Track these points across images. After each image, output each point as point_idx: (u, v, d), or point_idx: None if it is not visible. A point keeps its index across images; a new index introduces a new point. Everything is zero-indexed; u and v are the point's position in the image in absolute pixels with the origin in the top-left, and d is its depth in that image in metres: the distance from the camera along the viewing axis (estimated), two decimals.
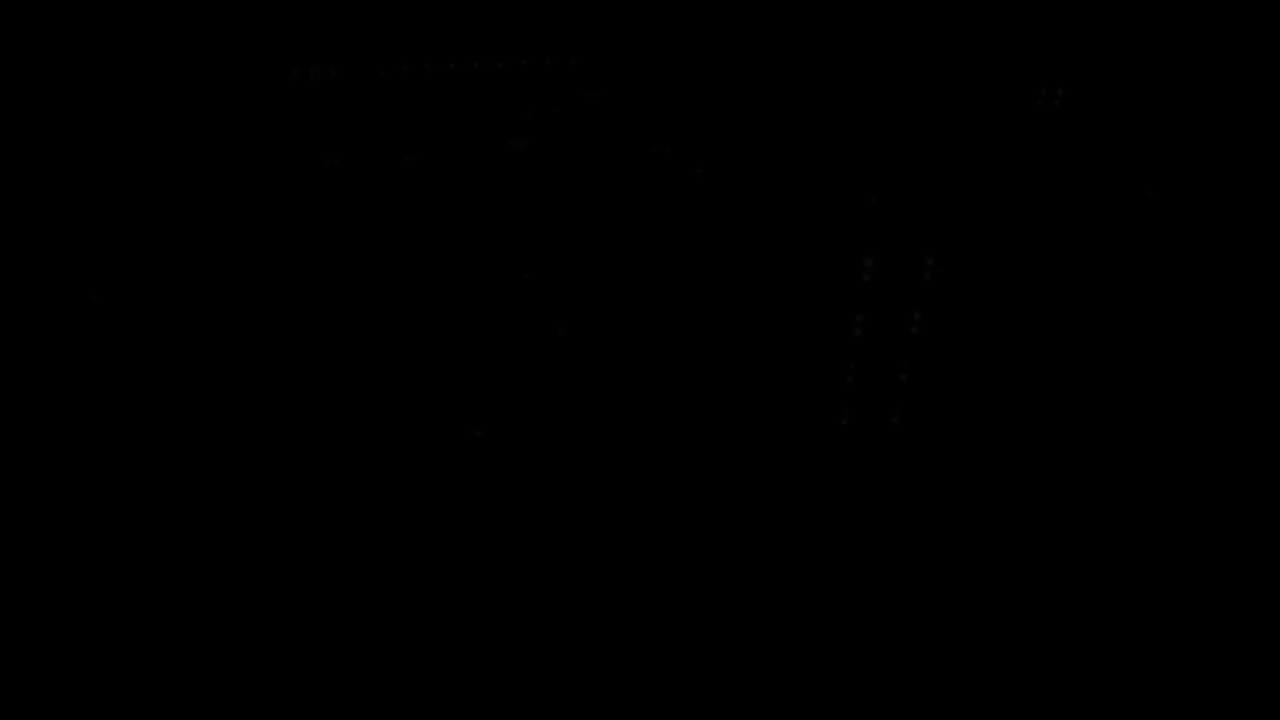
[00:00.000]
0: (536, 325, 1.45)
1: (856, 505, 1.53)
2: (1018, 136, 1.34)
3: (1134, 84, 1.32)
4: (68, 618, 1.48)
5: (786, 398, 1.48)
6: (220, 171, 1.38)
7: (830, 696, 1.36)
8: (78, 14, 1.30)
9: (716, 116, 1.30)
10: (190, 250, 1.44)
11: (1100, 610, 1.47)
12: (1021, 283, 1.43)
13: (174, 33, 1.31)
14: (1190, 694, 1.37)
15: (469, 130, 1.33)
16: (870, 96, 1.31)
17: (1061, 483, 1.57)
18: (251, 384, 1.54)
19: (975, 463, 1.55)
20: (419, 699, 1.38)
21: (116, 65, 1.32)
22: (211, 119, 1.35)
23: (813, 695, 1.36)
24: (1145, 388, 1.51)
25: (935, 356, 1.45)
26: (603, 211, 1.35)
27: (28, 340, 1.47)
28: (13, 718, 1.30)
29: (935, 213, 1.36)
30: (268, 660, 1.44)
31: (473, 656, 1.40)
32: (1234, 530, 1.48)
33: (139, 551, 1.54)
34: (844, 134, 1.32)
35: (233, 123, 1.35)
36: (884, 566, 1.49)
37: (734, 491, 1.52)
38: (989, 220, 1.37)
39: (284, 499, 1.57)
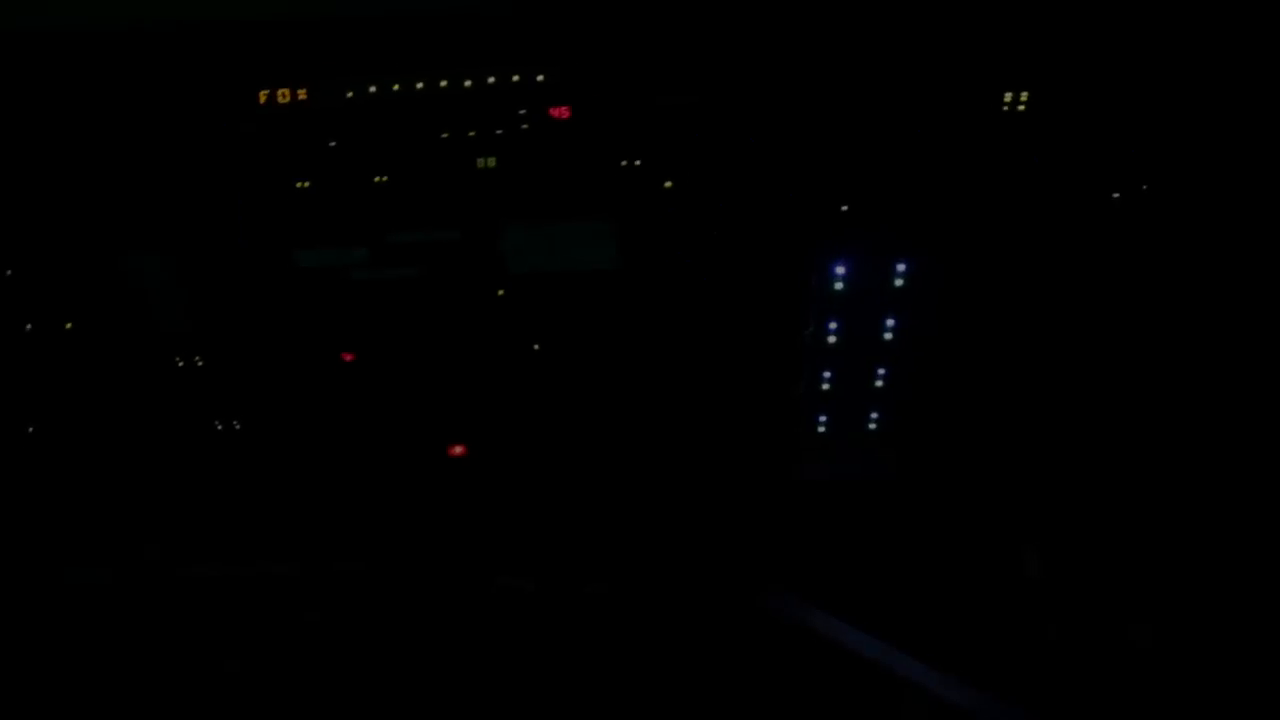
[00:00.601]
0: (512, 339, 1.46)
1: (836, 510, 1.54)
2: (984, 141, 1.35)
3: (1101, 87, 1.34)
4: None
5: (763, 405, 1.49)
6: (194, 194, 1.39)
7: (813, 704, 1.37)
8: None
9: (685, 129, 1.31)
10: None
11: (1084, 615, 1.48)
12: (992, 285, 1.44)
13: (137, 57, 1.31)
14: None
15: (437, 149, 1.33)
16: (837, 105, 1.32)
17: (1040, 487, 1.58)
18: (234, 394, 1.54)
19: (953, 465, 1.56)
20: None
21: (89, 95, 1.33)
22: (179, 144, 1.36)
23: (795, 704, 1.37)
24: (1120, 388, 1.52)
25: (908, 361, 1.46)
26: (574, 227, 1.36)
27: None
28: None
29: (904, 218, 1.37)
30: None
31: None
32: (1227, 557, 1.50)
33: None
34: (811, 143, 1.33)
35: (201, 147, 1.35)
36: (865, 571, 1.50)
37: (711, 500, 1.53)
38: (958, 224, 1.38)
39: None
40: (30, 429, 1.56)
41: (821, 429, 1.52)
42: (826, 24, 1.28)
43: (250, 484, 1.59)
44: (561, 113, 1.30)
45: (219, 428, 1.55)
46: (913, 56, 1.30)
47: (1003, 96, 1.33)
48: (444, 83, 1.30)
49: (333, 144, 1.34)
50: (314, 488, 1.59)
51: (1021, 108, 1.34)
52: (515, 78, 1.29)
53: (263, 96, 1.32)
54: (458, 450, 1.54)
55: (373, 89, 1.31)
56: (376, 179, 1.36)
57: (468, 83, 1.30)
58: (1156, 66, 1.32)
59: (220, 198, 1.39)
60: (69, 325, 1.48)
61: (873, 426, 1.53)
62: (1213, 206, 1.39)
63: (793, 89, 1.30)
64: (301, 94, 1.32)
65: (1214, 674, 1.46)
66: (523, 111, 1.31)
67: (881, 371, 1.48)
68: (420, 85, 1.30)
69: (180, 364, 1.50)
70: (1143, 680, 1.45)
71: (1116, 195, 1.38)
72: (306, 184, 1.37)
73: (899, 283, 1.39)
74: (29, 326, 1.48)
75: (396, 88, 1.31)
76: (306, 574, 1.58)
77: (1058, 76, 1.32)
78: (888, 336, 1.44)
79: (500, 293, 1.41)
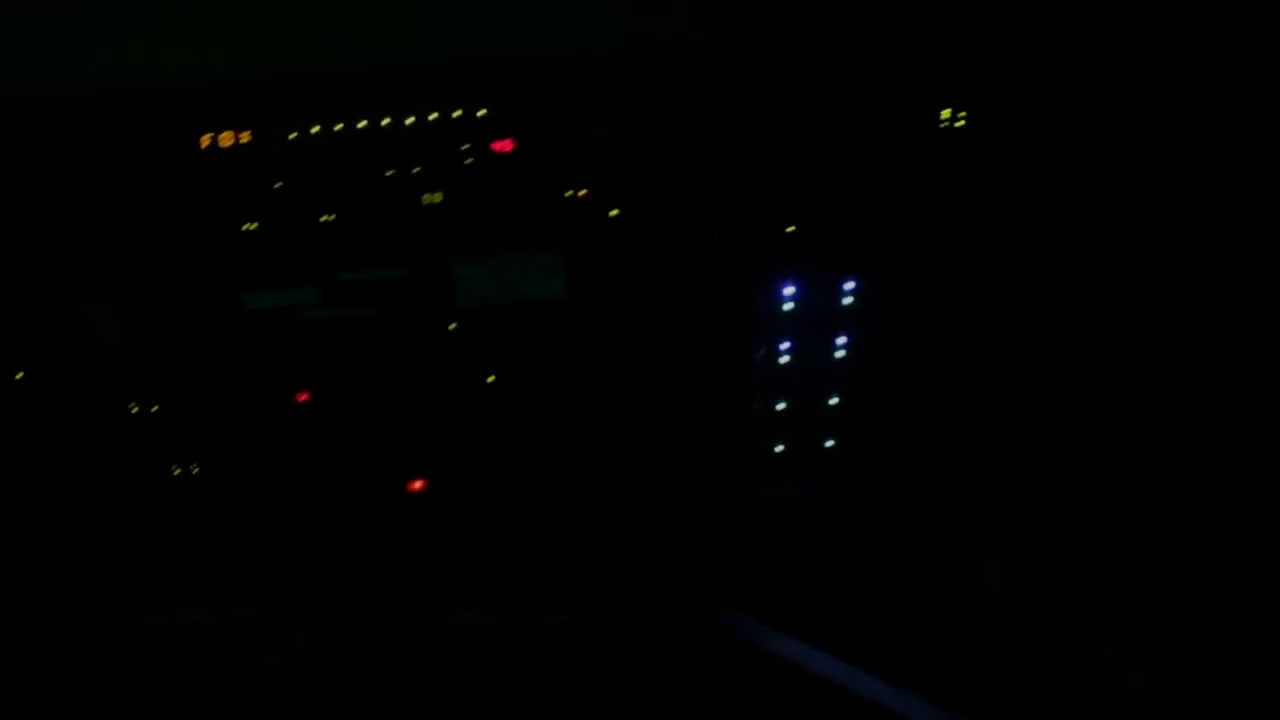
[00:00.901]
0: (466, 372, 1.46)
1: (795, 528, 1.55)
2: (924, 157, 1.37)
3: (1036, 105, 1.36)
4: None
5: (720, 428, 1.50)
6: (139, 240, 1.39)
7: None
8: None
9: (628, 158, 1.32)
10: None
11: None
12: (941, 298, 1.45)
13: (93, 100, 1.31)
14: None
15: (383, 187, 1.34)
16: (778, 127, 1.33)
17: (998, 496, 1.60)
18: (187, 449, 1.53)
19: (910, 478, 1.57)
20: None
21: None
22: (125, 190, 1.36)
23: None
24: (1075, 394, 1.54)
25: (862, 377, 1.48)
26: (523, 260, 1.37)
27: None
28: None
29: (849, 237, 1.38)
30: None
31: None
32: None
33: None
34: (755, 166, 1.35)
35: (147, 193, 1.35)
36: (825, 588, 1.51)
37: (671, 524, 1.54)
38: (902, 241, 1.40)
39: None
40: None
41: (779, 448, 1.53)
42: (763, 49, 1.29)
43: (211, 528, 1.58)
44: (504, 146, 1.31)
45: (176, 473, 1.54)
46: (849, 76, 1.32)
47: (940, 114, 1.35)
48: (386, 120, 1.31)
49: (278, 185, 1.34)
50: (275, 528, 1.58)
51: (960, 124, 1.36)
52: (457, 113, 1.30)
53: (205, 141, 1.32)
54: (417, 485, 1.54)
55: (315, 129, 1.31)
56: (323, 218, 1.36)
57: (410, 120, 1.31)
58: (1092, 82, 1.35)
59: (168, 243, 1.39)
60: (20, 375, 1.47)
61: (829, 444, 1.54)
62: (1151, 218, 1.41)
63: (734, 114, 1.32)
64: (244, 137, 1.32)
65: (1176, 679, 1.47)
66: (466, 146, 1.31)
67: (835, 389, 1.49)
68: (363, 124, 1.31)
69: (135, 410, 1.49)
70: (1103, 687, 1.47)
71: (1058, 208, 1.40)
72: (253, 226, 1.37)
73: (847, 301, 1.41)
74: None
75: (339, 127, 1.31)
76: (272, 615, 1.58)
77: (995, 94, 1.34)
78: (840, 354, 1.46)
79: (452, 326, 1.42)
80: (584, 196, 1.33)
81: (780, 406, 1.49)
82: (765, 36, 1.23)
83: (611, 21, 1.20)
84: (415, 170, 1.33)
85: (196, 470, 1.54)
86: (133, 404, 1.49)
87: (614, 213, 1.34)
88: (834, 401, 1.50)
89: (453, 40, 1.22)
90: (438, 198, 1.34)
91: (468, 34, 1.22)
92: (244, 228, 1.37)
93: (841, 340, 1.44)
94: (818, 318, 1.42)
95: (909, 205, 1.38)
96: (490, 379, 1.45)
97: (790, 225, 1.36)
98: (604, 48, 1.23)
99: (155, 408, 1.49)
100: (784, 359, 1.45)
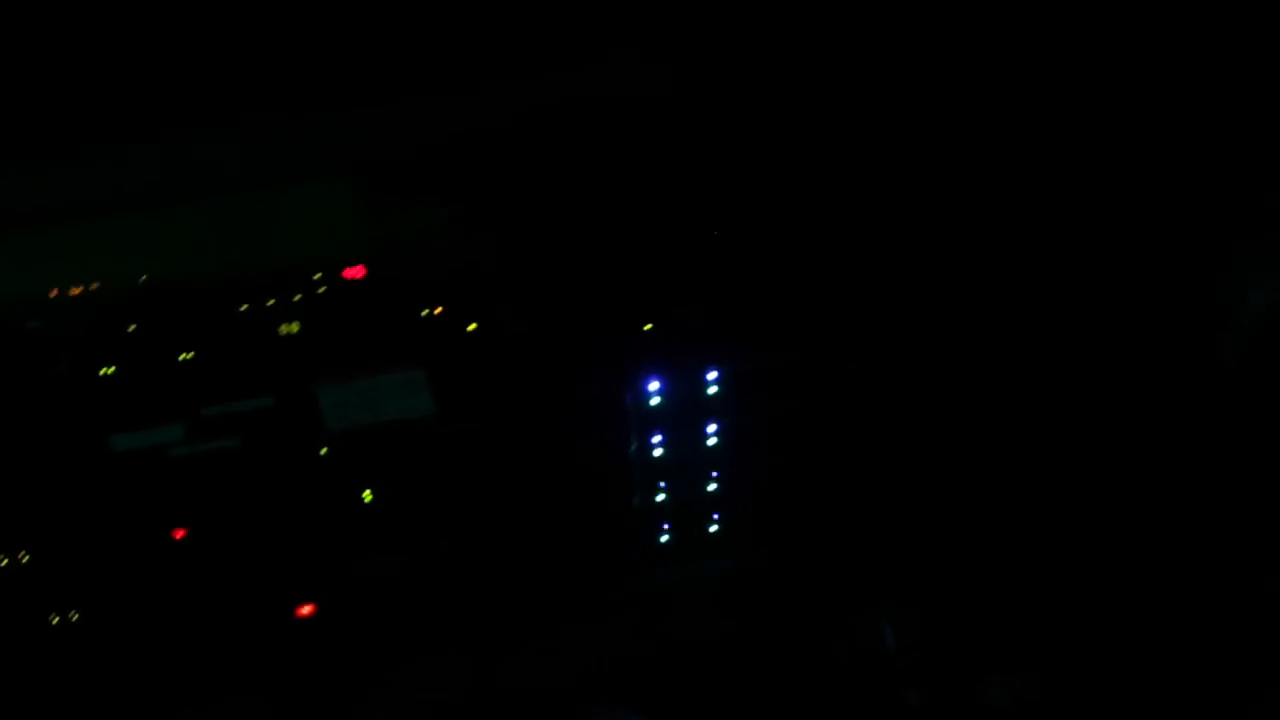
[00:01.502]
0: (342, 494, 1.46)
1: (687, 612, 1.57)
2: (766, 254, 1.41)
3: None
4: None
5: (603, 525, 1.51)
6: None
7: None
8: None
9: (479, 278, 1.34)
10: None
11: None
12: (803, 379, 1.49)
13: None
14: None
15: (239, 321, 1.34)
16: (632, 234, 1.37)
17: (887, 558, 1.63)
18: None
19: (797, 550, 1.60)
20: None
21: None
22: None
23: None
24: (944, 460, 1.58)
25: (737, 463, 1.50)
26: (387, 379, 1.37)
27: None
28: None
29: (706, 330, 1.41)
30: None
31: None
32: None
33: None
34: (607, 269, 1.37)
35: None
36: (721, 670, 1.52)
37: (561, 625, 1.54)
38: (756, 329, 1.44)
39: None
40: None
41: (664, 538, 1.55)
42: (600, 155, 1.33)
43: (97, 673, 1.54)
44: (356, 273, 1.32)
45: (55, 621, 1.51)
46: (689, 180, 1.36)
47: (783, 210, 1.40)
48: (238, 265, 1.31)
49: (132, 328, 1.34)
50: (163, 668, 1.55)
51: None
52: (307, 254, 1.31)
53: (54, 293, 1.31)
54: (306, 610, 1.52)
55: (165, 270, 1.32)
56: (182, 357, 1.35)
57: (262, 264, 1.31)
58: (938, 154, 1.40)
59: (27, 393, 1.37)
60: None
61: (714, 528, 1.56)
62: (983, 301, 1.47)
63: (580, 214, 1.35)
64: (93, 285, 1.32)
65: None
66: (318, 276, 1.32)
67: (712, 474, 1.52)
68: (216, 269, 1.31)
69: (4, 562, 1.46)
70: None
71: (896, 290, 1.45)
72: (111, 370, 1.36)
73: (712, 390, 1.44)
74: None
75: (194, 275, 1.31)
76: None
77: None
78: (712, 441, 1.48)
79: (324, 451, 1.42)
80: (440, 314, 1.34)
81: (660, 498, 1.51)
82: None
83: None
84: (270, 302, 1.33)
85: (76, 617, 1.51)
86: (2, 557, 1.46)
87: (472, 326, 1.35)
88: (712, 487, 1.52)
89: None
90: (295, 327, 1.34)
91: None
92: (102, 372, 1.36)
93: (712, 428, 1.47)
94: (685, 409, 1.45)
95: (762, 293, 1.42)
96: (367, 498, 1.45)
97: (647, 324, 1.38)
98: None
99: (26, 558, 1.46)
100: (658, 451, 1.47)
